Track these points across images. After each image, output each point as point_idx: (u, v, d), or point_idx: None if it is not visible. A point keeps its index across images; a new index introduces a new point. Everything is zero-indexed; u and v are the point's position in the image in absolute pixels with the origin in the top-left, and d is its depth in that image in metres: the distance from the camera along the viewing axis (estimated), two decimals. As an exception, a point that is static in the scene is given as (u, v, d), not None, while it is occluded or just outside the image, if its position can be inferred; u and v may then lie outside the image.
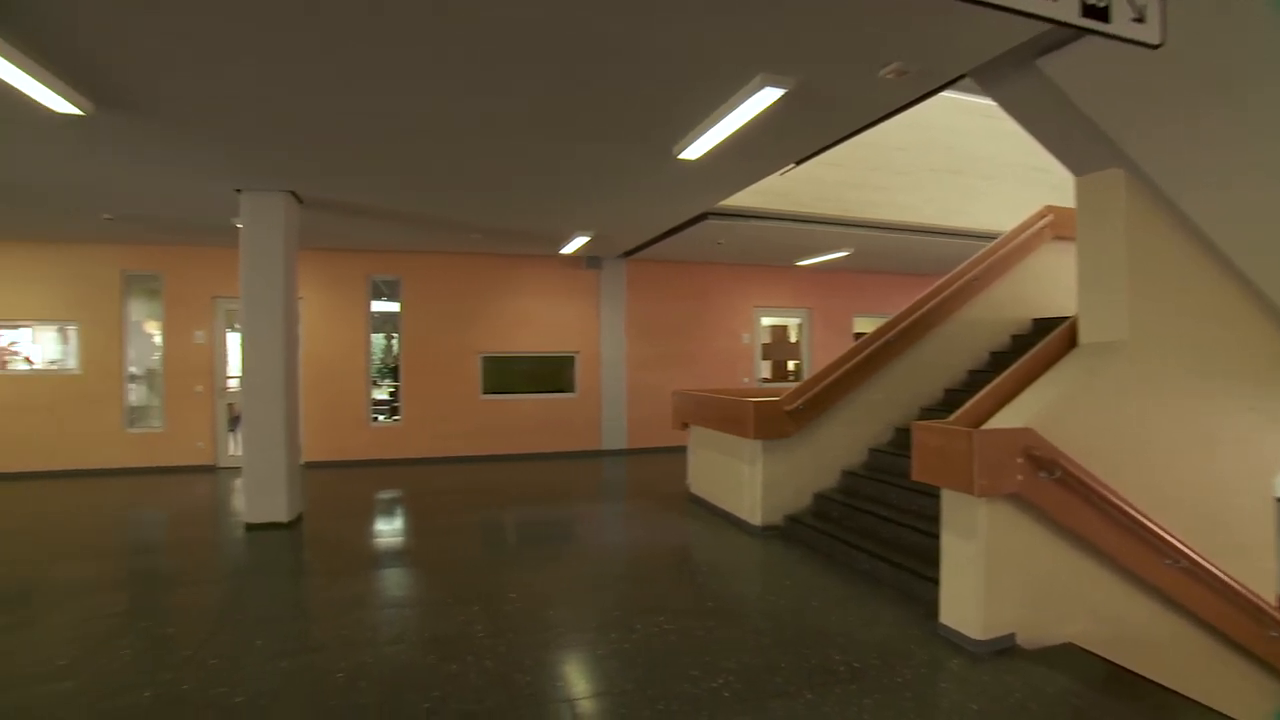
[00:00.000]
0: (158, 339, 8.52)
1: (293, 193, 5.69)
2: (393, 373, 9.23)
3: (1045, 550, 3.42)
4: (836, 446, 5.59)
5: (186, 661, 3.26)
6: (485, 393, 9.09)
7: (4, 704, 2.89)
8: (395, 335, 9.35)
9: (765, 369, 10.84)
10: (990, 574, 3.27)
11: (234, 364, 8.74)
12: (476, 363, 9.05)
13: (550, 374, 9.48)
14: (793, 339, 11.20)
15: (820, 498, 5.44)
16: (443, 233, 7.59)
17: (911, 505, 4.63)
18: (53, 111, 3.71)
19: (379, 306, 8.94)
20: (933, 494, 3.74)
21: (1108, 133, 3.58)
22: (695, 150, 4.52)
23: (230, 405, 8.48)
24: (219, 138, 4.40)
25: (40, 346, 8.99)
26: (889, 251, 8.79)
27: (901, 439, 5.42)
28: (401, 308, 8.86)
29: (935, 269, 9.01)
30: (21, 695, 2.96)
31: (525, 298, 9.22)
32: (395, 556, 5.01)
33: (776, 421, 5.33)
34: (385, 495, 7.09)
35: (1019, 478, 3.23)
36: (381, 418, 8.98)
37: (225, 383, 8.47)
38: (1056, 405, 3.57)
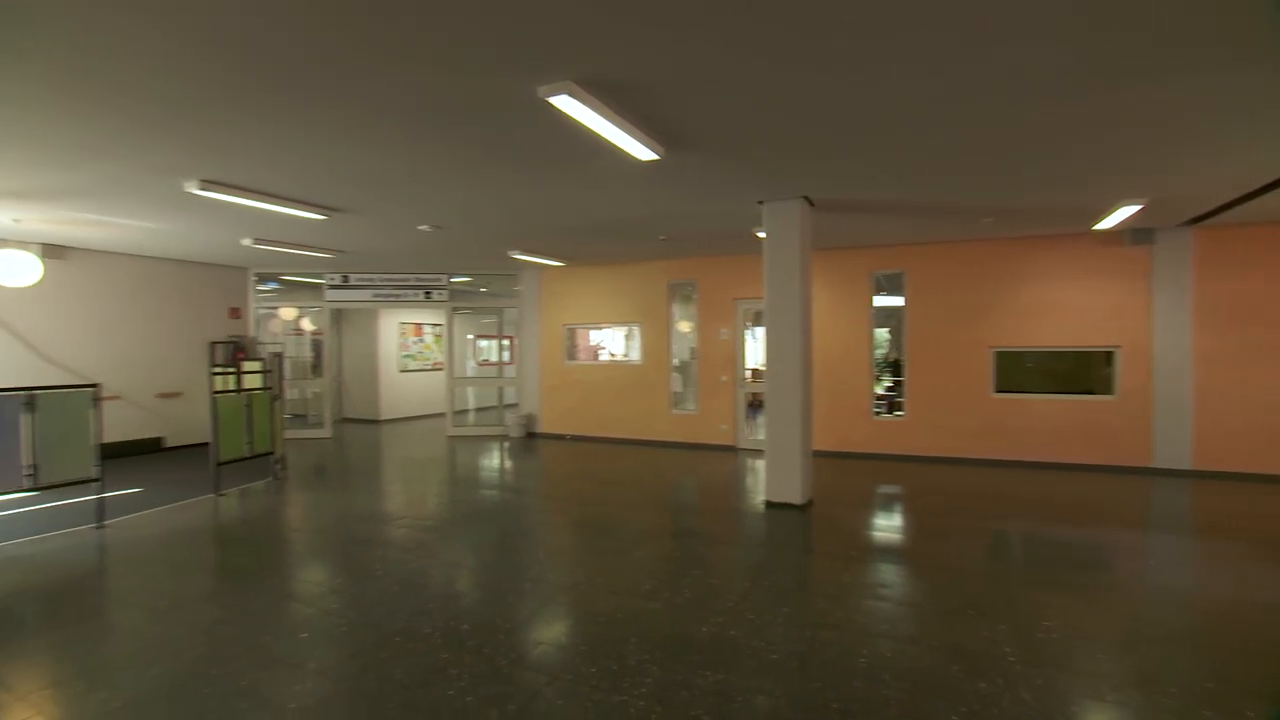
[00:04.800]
0: (690, 336, 10.25)
1: (805, 197, 6.10)
2: (893, 367, 9.15)
3: None
4: None
5: (730, 611, 3.79)
6: (997, 391, 8.25)
7: (616, 606, 3.82)
8: (889, 329, 9.25)
9: None
10: None
11: (750, 358, 9.94)
12: (988, 358, 8.29)
13: (1079, 371, 8.05)
14: None
15: None
16: (949, 221, 7.17)
17: None
18: (638, 159, 4.73)
19: (880, 301, 8.96)
20: None
21: None
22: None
23: (747, 394, 9.65)
24: (749, 160, 4.98)
25: (616, 343, 11.84)
26: None
27: None
28: (905, 301, 8.71)
29: None
30: (625, 604, 3.88)
31: (1047, 284, 8.02)
32: (903, 553, 4.93)
33: None
34: (887, 490, 7.07)
35: None
36: (882, 412, 8.99)
37: (744, 374, 9.67)
38: None
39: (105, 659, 3.29)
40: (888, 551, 4.97)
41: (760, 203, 6.24)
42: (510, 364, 12.53)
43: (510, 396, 12.08)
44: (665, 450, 9.74)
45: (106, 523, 5.68)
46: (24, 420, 5.25)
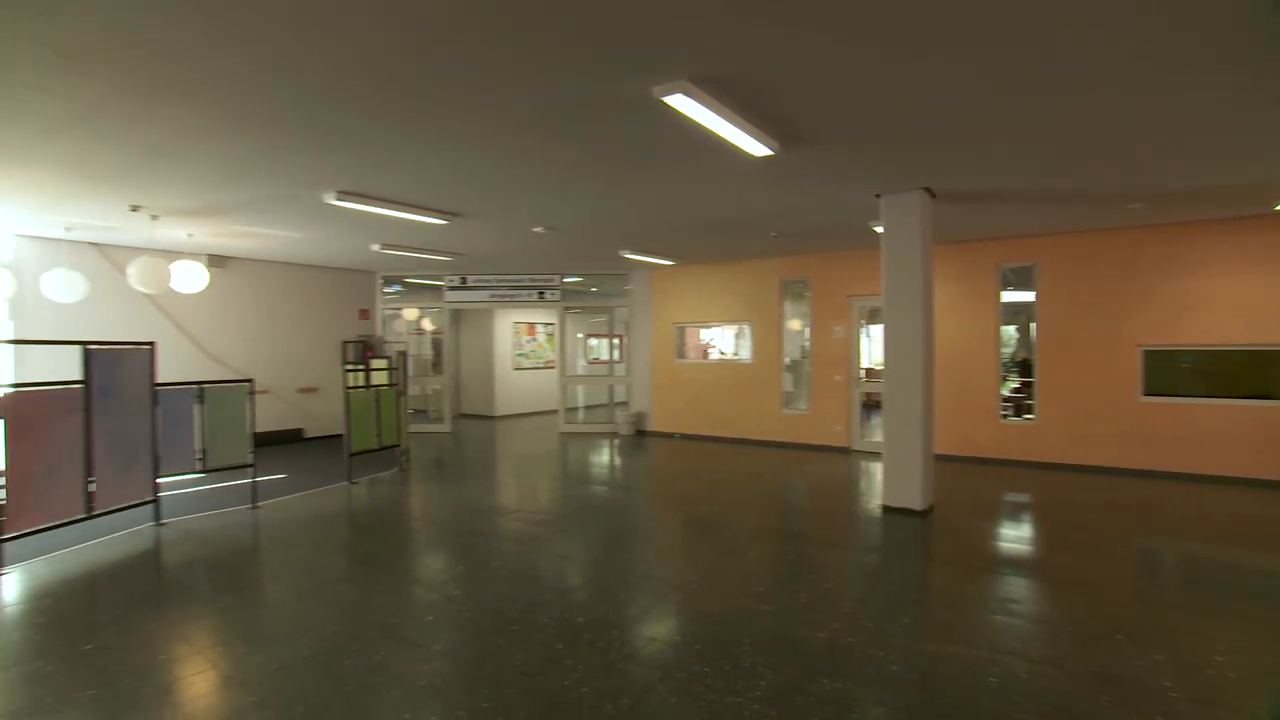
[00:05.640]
0: (802, 335, 10.00)
1: (927, 189, 5.80)
2: (1021, 366, 8.53)
3: None
4: None
5: (846, 617, 3.65)
6: (1146, 393, 7.48)
7: (728, 606, 3.78)
8: (1014, 326, 8.63)
9: None
10: None
11: (865, 357, 9.57)
12: (1135, 357, 7.50)
13: (1252, 373, 7.04)
14: None
15: None
16: (1090, 209, 6.58)
17: None
18: (752, 156, 4.65)
19: (1007, 297, 8.37)
20: None
21: None
22: None
23: (862, 394, 9.29)
24: (867, 152, 4.79)
25: (726, 342, 11.74)
26: None
27: None
28: (1036, 296, 8.07)
29: None
30: (737, 604, 3.83)
31: (1211, 274, 7.14)
32: (1035, 567, 4.57)
33: None
34: (1015, 498, 6.60)
35: None
36: (1009, 414, 8.39)
37: (859, 374, 9.32)
38: None
39: (261, 626, 3.62)
40: (1018, 564, 4.63)
41: (878, 196, 5.99)
42: (620, 362, 12.71)
43: (620, 394, 12.26)
44: (776, 450, 9.55)
45: (259, 504, 6.25)
46: (195, 410, 5.90)
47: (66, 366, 5.15)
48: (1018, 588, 4.16)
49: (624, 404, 11.92)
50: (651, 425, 11.32)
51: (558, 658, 3.21)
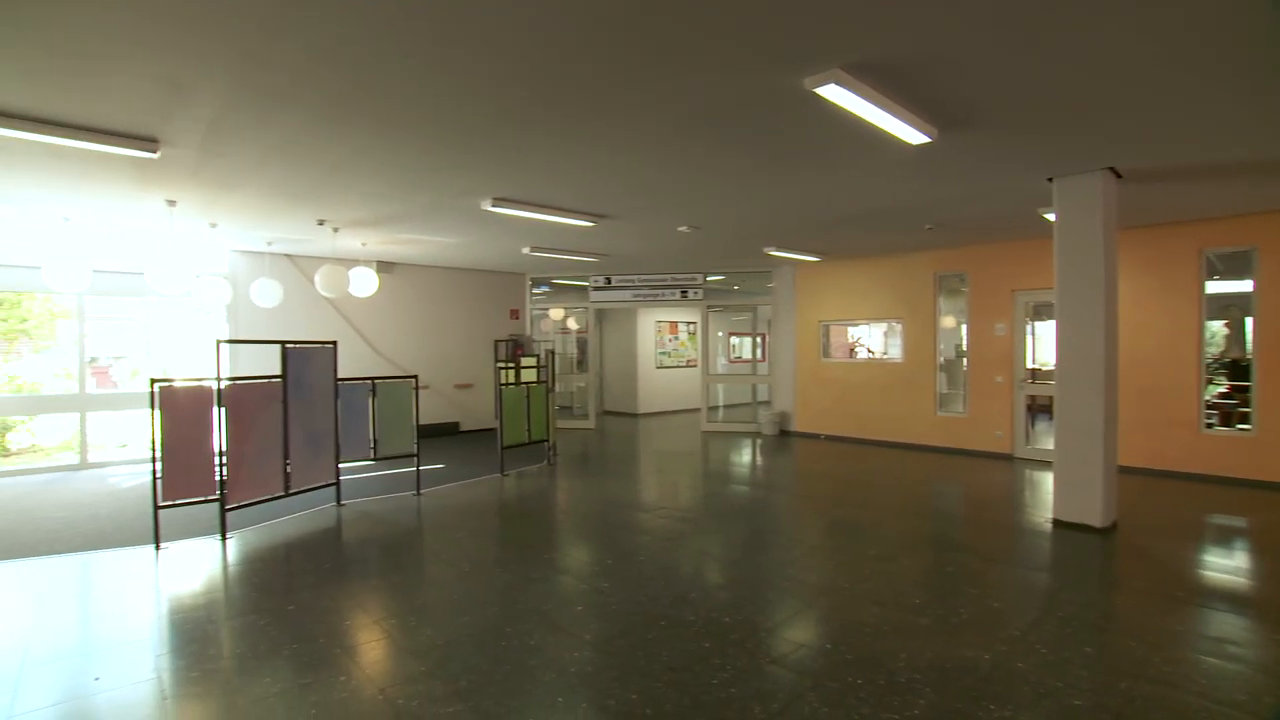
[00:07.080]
0: (956, 332, 9.33)
1: (1111, 169, 5.20)
2: (1229, 368, 7.40)
3: None
4: None
5: (1015, 640, 3.35)
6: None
7: (881, 617, 3.59)
8: (1222, 321, 7.49)
9: None
10: None
11: (1031, 356, 8.77)
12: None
13: None
14: None
15: None
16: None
17: None
18: (908, 144, 4.39)
19: (1212, 287, 7.28)
20: None
21: None
22: None
23: (1026, 397, 8.51)
24: (1039, 131, 4.36)
25: (874, 340, 11.23)
26: None
27: None
28: (1255, 286, 6.94)
29: None
30: (891, 616, 3.63)
31: None
32: (1253, 603, 3.93)
33: None
34: (1224, 520, 5.75)
35: None
36: (1214, 423, 7.31)
37: (1024, 374, 8.55)
38: None
39: (427, 603, 3.91)
40: (1235, 600, 4.01)
41: (1050, 179, 5.45)
42: (763, 361, 12.50)
43: (763, 393, 12.06)
44: (929, 455, 9.00)
45: (422, 491, 6.77)
46: (369, 403, 6.50)
47: (268, 363, 5.85)
48: (1232, 626, 3.61)
49: (766, 403, 11.72)
50: (795, 425, 11.04)
51: (705, 656, 3.20)
